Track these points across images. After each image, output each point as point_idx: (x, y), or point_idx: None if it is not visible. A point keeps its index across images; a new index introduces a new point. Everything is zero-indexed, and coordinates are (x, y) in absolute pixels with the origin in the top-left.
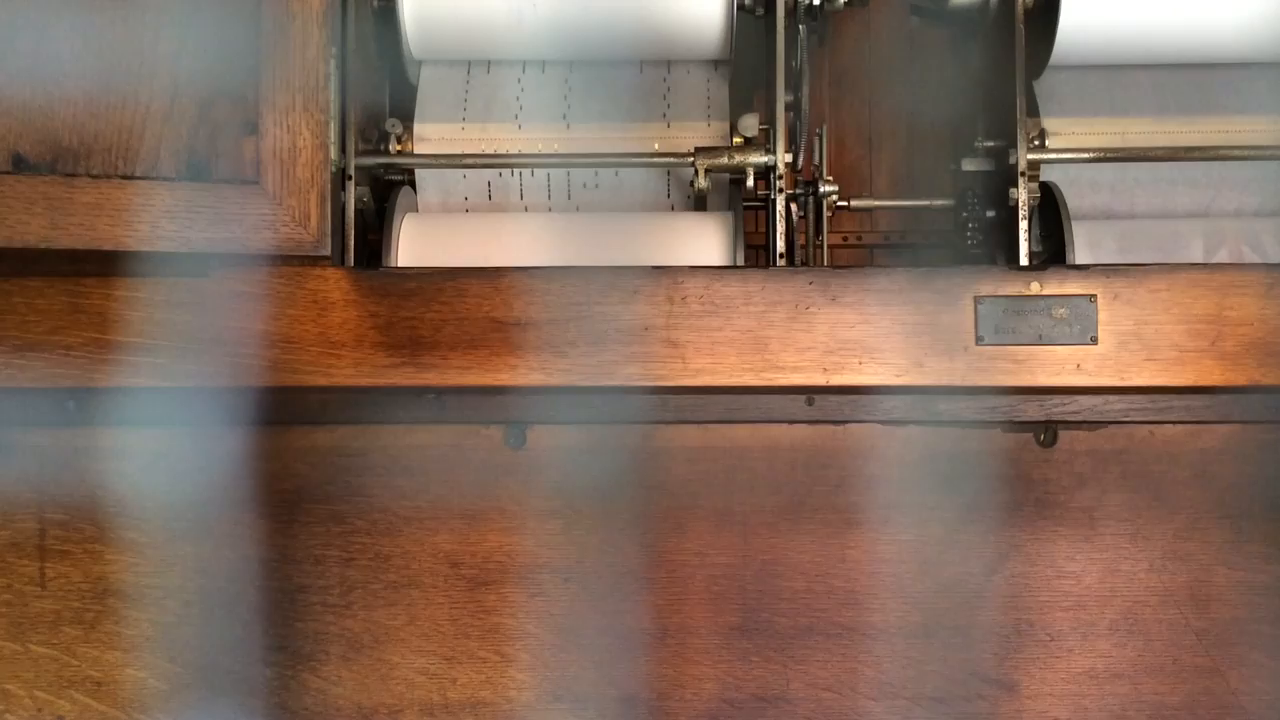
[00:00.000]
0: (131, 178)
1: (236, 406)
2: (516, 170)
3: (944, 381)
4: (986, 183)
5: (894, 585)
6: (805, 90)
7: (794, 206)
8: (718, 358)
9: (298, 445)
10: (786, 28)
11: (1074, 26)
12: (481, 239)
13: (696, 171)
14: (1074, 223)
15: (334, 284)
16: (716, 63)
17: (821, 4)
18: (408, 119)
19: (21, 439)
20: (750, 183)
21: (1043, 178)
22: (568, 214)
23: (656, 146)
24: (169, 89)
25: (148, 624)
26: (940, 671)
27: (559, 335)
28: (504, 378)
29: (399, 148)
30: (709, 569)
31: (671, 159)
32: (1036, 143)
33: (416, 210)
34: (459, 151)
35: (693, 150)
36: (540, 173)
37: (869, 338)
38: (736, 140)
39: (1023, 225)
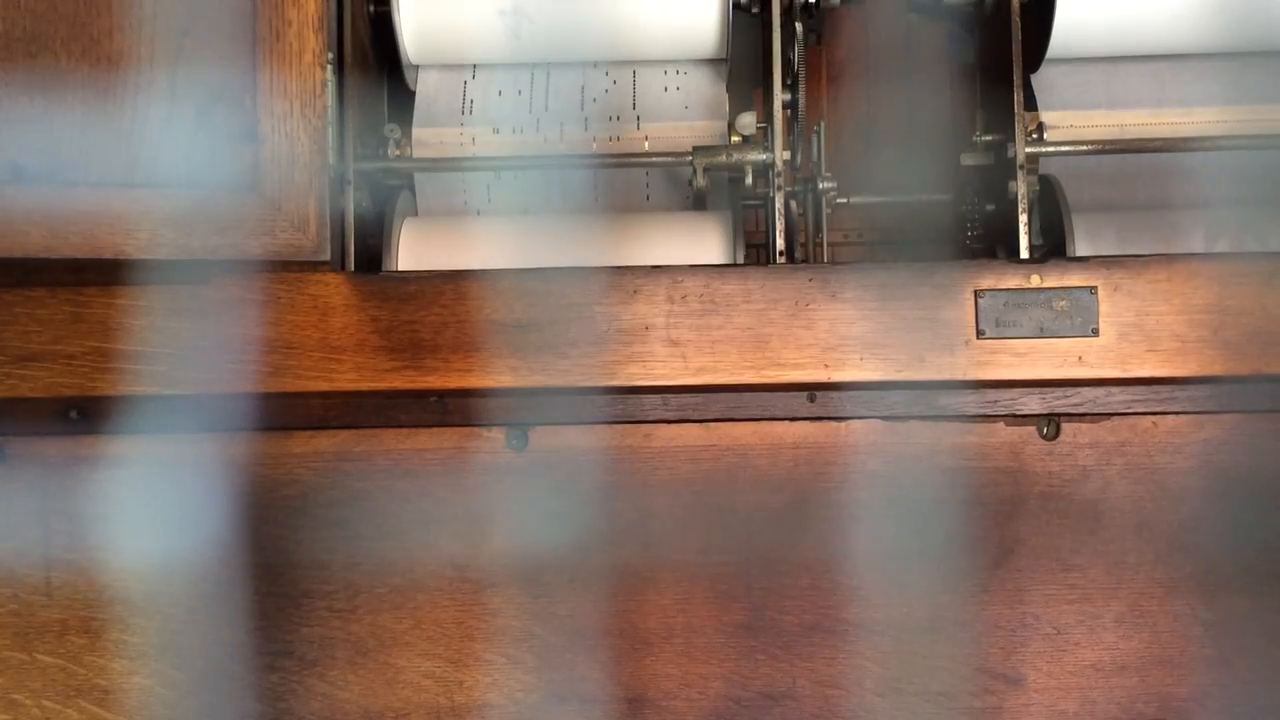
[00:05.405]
0: (131, 186)
1: (239, 412)
2: (516, 173)
3: (945, 376)
4: (986, 177)
5: (899, 580)
6: (802, 88)
7: (793, 204)
8: (718, 356)
9: (300, 450)
10: (783, 25)
11: (1070, 19)
12: (481, 242)
13: (695, 170)
14: (1074, 215)
15: (334, 289)
16: (714, 61)
17: (817, 2)
18: (406, 124)
19: (25, 448)
20: (749, 181)
21: (1042, 170)
22: (567, 215)
23: (655, 146)
24: (166, 96)
25: (154, 631)
26: (946, 666)
27: (559, 336)
28: (505, 379)
29: (398, 152)
30: (713, 567)
31: (671, 158)
32: (1035, 136)
33: (416, 214)
34: (458, 155)
35: (691, 149)
36: (538, 175)
37: (870, 333)
38: (735, 139)
39: (1022, 219)
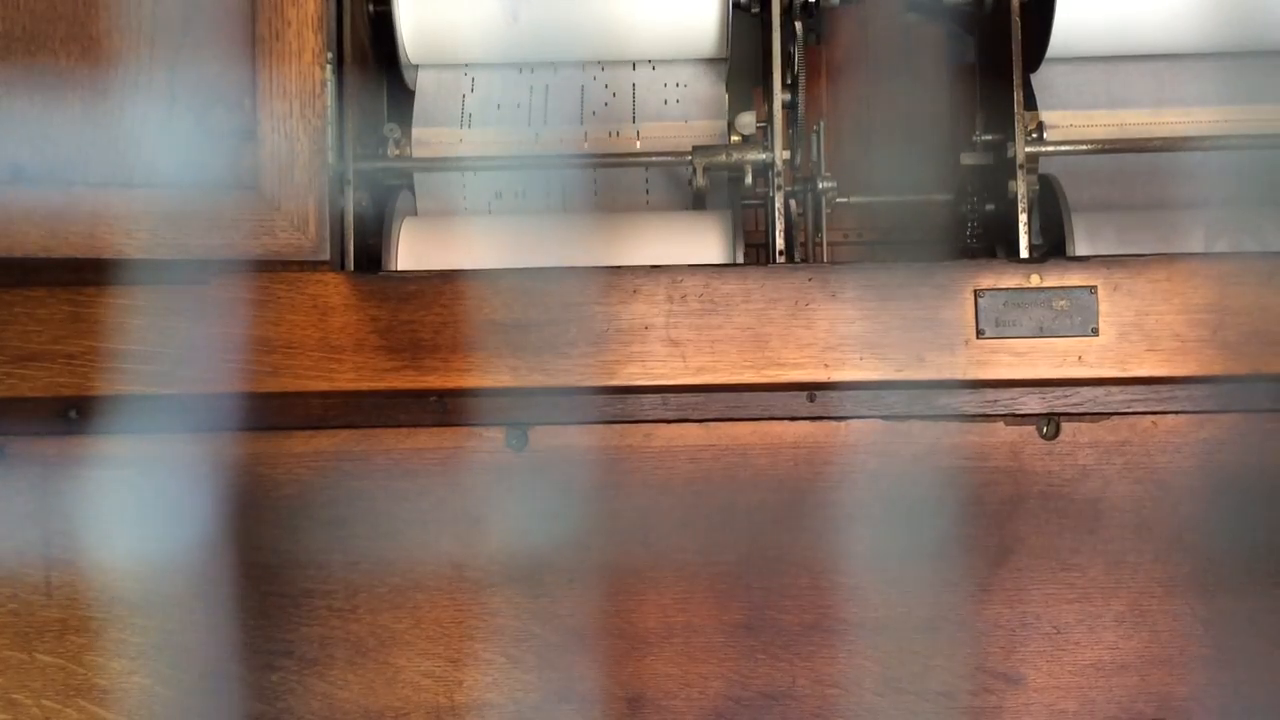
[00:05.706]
0: (130, 186)
1: (238, 412)
2: (517, 192)
3: (945, 375)
4: (986, 176)
5: (898, 580)
6: (801, 87)
7: (793, 204)
8: (718, 356)
9: (300, 450)
10: (782, 25)
11: (1070, 19)
12: (480, 241)
13: (695, 170)
14: (1074, 214)
15: (334, 288)
16: (713, 61)
17: (817, 1)
18: (406, 124)
19: (25, 448)
20: (749, 181)
21: (1041, 170)
22: (566, 215)
23: (655, 146)
24: (166, 96)
25: (153, 631)
26: (946, 666)
27: (559, 336)
28: (505, 379)
29: (397, 152)
30: (713, 567)
31: (670, 158)
32: (1035, 136)
33: (415, 214)
34: (457, 155)
35: (691, 149)
36: (538, 174)
37: (869, 333)
38: (734, 138)
39: (1022, 218)
